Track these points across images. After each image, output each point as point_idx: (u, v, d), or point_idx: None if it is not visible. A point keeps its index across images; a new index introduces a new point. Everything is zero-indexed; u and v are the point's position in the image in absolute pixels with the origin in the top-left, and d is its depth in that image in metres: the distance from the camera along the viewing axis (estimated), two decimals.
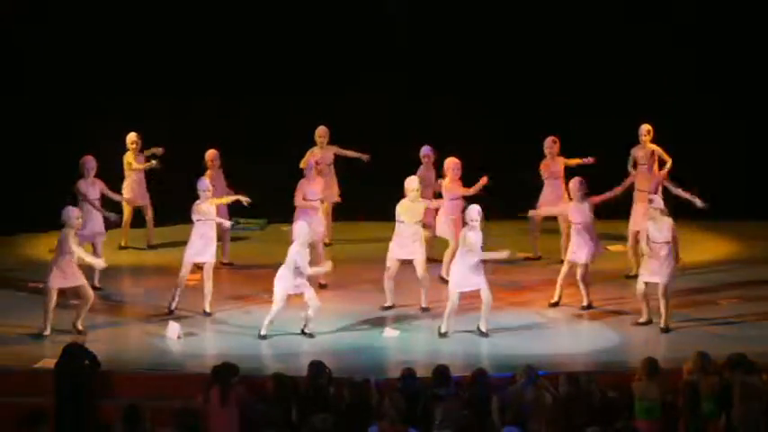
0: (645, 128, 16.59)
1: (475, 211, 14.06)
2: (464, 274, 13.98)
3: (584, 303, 15.01)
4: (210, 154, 16.82)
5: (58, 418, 11.51)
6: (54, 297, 13.91)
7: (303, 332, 14.03)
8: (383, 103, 18.70)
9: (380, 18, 18.96)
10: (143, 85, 18.35)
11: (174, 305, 14.77)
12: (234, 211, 17.05)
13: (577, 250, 14.91)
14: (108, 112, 17.99)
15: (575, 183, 15.11)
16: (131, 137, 17.37)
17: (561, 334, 14.44)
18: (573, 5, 18.79)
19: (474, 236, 13.93)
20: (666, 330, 14.08)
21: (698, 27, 18.63)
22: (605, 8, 18.74)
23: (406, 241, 14.84)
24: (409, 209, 14.89)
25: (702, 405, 11.32)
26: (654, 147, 16.35)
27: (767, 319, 14.51)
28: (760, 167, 18.93)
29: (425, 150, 16.78)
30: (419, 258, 14.89)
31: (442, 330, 14.08)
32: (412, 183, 14.96)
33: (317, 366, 11.61)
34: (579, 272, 14.88)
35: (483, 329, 14.06)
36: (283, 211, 16.44)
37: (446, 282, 14.79)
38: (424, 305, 15.00)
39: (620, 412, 11.20)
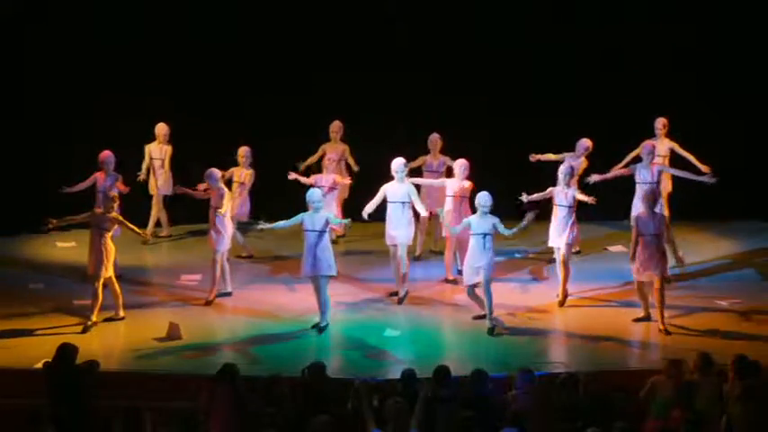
0: (661, 121, 16.64)
1: (485, 196, 14.11)
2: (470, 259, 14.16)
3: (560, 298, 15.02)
4: (243, 150, 16.82)
5: (55, 418, 11.49)
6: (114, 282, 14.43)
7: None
8: (382, 104, 18.71)
9: (380, 18, 18.96)
10: (144, 86, 18.34)
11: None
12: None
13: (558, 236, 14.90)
14: (109, 113, 18.02)
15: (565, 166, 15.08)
16: (162, 128, 17.44)
17: (560, 334, 14.43)
18: (573, 8, 18.83)
19: (476, 219, 14.04)
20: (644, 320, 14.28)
21: (697, 27, 18.63)
22: (606, 9, 18.78)
23: (395, 224, 14.88)
24: (395, 189, 14.94)
25: (702, 405, 11.32)
26: (670, 142, 16.42)
27: (767, 319, 14.53)
28: (760, 167, 18.94)
29: (433, 137, 16.83)
30: (401, 241, 14.90)
31: (489, 325, 14.17)
32: (396, 164, 14.99)
33: (316, 367, 11.61)
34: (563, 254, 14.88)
35: (489, 325, 14.17)
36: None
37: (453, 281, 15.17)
38: (396, 290, 15.13)
39: (620, 412, 11.20)
